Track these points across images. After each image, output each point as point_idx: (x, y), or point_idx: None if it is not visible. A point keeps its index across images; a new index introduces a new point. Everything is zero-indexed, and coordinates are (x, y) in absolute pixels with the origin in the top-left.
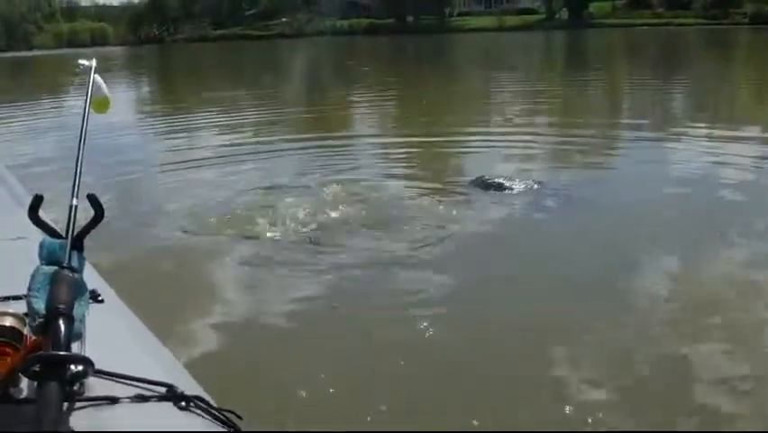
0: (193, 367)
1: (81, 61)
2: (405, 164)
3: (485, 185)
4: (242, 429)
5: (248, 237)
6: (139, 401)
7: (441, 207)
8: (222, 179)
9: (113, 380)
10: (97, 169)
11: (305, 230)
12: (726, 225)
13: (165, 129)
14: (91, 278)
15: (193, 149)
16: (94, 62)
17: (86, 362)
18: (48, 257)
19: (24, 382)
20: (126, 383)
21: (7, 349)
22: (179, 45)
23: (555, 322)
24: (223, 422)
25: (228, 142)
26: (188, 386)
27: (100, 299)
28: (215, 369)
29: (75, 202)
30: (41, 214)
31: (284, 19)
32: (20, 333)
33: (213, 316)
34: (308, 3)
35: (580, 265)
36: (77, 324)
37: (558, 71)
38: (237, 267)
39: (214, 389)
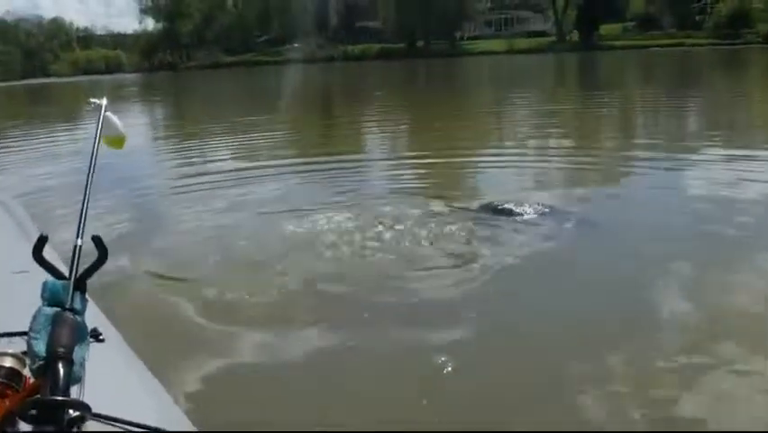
0: (192, 413)
1: (92, 100)
2: (415, 189)
3: (495, 210)
4: None
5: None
6: None
7: (449, 234)
8: (234, 200)
9: (110, 424)
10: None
11: (314, 258)
12: (747, 249)
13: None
14: (93, 315)
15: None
16: (104, 101)
17: (84, 407)
18: (50, 298)
19: (21, 425)
20: (124, 428)
21: (6, 390)
22: (192, 72)
23: (570, 357)
24: None
25: (238, 167)
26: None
27: (101, 338)
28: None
29: (79, 242)
30: (46, 252)
31: (296, 45)
32: (19, 374)
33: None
34: (320, 28)
35: (591, 296)
36: (76, 367)
37: (570, 93)
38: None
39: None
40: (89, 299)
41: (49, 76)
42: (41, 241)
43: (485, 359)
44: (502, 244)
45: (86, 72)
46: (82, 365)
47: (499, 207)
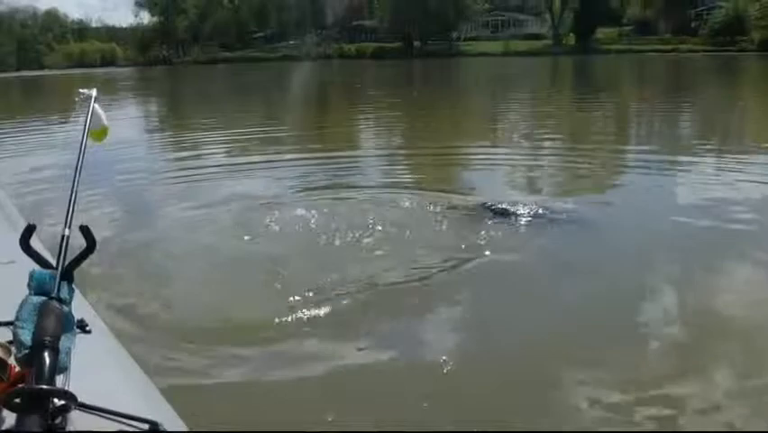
0: (178, 403)
1: (82, 90)
2: (410, 189)
3: (491, 210)
4: None
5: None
6: None
7: (444, 234)
8: (229, 191)
9: (96, 414)
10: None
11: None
12: (740, 251)
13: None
14: (79, 307)
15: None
16: (94, 92)
17: (70, 396)
18: (37, 287)
19: (6, 414)
20: (109, 418)
21: None
22: (187, 67)
23: (564, 358)
24: None
25: (228, 160)
26: (172, 423)
27: (88, 329)
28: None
29: (67, 232)
30: (33, 242)
31: (291, 42)
32: (4, 363)
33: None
34: (316, 26)
35: (586, 295)
36: (62, 357)
37: (566, 96)
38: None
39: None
40: (76, 289)
41: (43, 68)
42: (29, 230)
43: (478, 361)
44: (496, 244)
45: (80, 65)
46: (68, 355)
47: (494, 208)
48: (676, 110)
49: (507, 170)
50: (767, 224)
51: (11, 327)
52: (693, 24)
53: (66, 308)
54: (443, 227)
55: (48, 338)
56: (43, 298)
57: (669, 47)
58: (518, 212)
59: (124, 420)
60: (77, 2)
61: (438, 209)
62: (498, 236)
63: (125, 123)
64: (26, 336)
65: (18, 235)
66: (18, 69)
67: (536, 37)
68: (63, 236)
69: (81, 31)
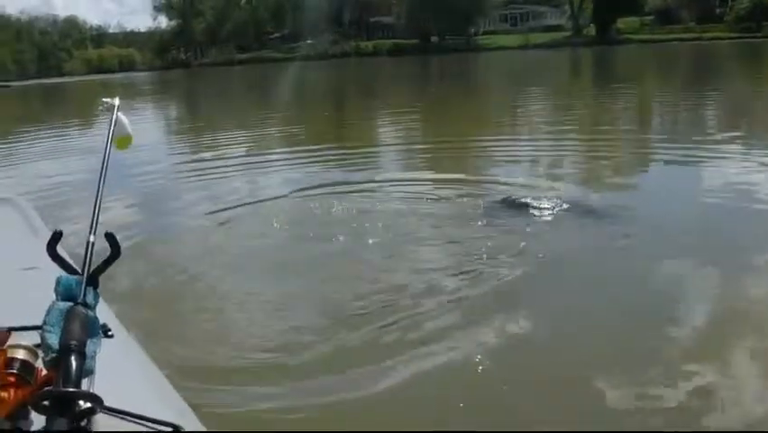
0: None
1: (105, 99)
2: (433, 183)
3: (513, 204)
4: None
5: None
6: None
7: (467, 230)
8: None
9: (120, 417)
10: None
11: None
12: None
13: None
14: (101, 312)
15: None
16: (117, 100)
17: (95, 399)
18: (64, 293)
19: (33, 416)
20: (133, 421)
21: (19, 382)
22: (206, 69)
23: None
24: None
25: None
26: (194, 427)
27: (110, 334)
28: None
29: (92, 239)
30: (60, 249)
31: (309, 41)
32: (32, 366)
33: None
34: (333, 24)
35: (616, 291)
36: (88, 361)
37: (588, 89)
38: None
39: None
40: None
41: (63, 75)
42: (56, 237)
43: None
44: (521, 239)
45: (99, 71)
46: (93, 359)
47: (517, 202)
48: (703, 102)
49: (532, 163)
50: None
51: (38, 331)
52: (718, 11)
53: (92, 313)
54: (466, 225)
55: (74, 342)
56: (70, 303)
57: (692, 35)
58: (540, 206)
59: (147, 424)
60: (96, 8)
61: (461, 206)
62: (520, 231)
63: (153, 127)
64: (54, 340)
65: (40, 242)
66: (38, 77)
67: (556, 29)
68: (88, 243)
69: (100, 37)
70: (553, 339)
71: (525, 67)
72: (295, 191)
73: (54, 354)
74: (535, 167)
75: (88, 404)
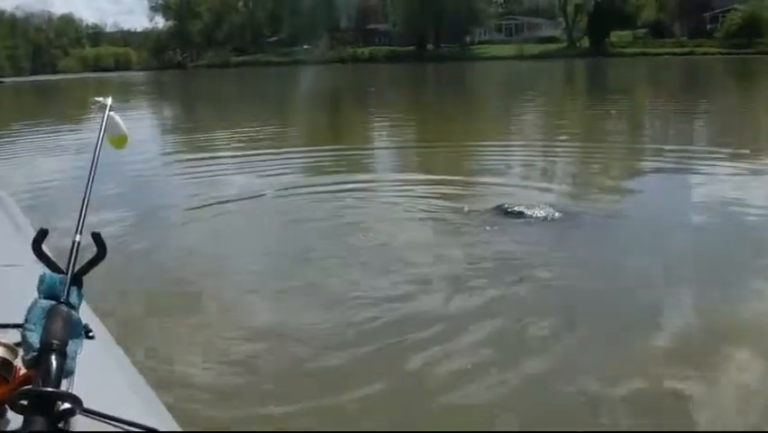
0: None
1: (97, 98)
2: (424, 192)
3: (505, 213)
4: None
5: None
6: None
7: (459, 238)
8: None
9: (99, 420)
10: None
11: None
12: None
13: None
14: (83, 313)
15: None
16: (109, 100)
17: (75, 400)
18: (47, 291)
19: (11, 415)
20: (112, 424)
21: None
22: (201, 71)
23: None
24: None
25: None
26: (172, 429)
27: (91, 335)
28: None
29: (78, 238)
30: (44, 247)
31: (305, 46)
32: (10, 364)
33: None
34: (330, 30)
35: (605, 303)
36: (69, 361)
37: (581, 99)
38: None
39: None
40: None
41: (57, 72)
42: (42, 234)
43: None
44: (514, 248)
45: (95, 69)
46: (74, 359)
47: (510, 210)
48: (693, 114)
49: (525, 174)
50: None
51: (18, 329)
52: (709, 27)
53: (74, 313)
54: (458, 234)
55: (56, 342)
56: (52, 301)
57: (684, 50)
58: (533, 214)
59: (127, 427)
60: (92, 6)
61: (454, 215)
62: (512, 240)
63: (144, 125)
64: (34, 339)
65: (24, 239)
66: (32, 74)
67: (550, 40)
68: (74, 242)
69: (96, 35)
70: (541, 343)
71: (521, 76)
72: (279, 190)
73: (34, 353)
74: (528, 174)
75: (68, 405)
